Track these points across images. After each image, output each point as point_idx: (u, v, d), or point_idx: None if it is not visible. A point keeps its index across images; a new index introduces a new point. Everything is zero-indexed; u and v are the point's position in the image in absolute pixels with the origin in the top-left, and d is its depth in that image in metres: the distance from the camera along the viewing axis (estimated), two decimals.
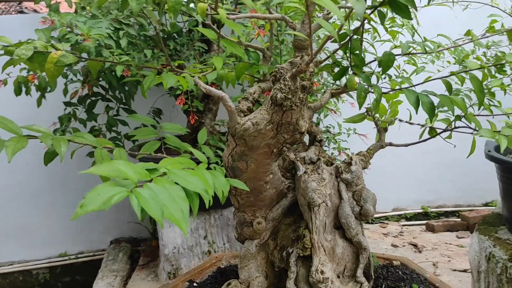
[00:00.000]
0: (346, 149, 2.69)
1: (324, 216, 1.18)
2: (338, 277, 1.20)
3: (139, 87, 2.66)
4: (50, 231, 2.95)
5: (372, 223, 3.41)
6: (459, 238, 3.10)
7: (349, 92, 1.42)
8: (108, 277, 2.75)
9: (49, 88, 2.19)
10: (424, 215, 3.41)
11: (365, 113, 1.34)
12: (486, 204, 3.51)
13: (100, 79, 2.33)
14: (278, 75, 1.07)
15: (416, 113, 1.13)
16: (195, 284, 1.45)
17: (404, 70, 1.33)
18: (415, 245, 2.97)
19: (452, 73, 1.14)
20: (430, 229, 3.17)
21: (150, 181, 0.69)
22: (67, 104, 2.37)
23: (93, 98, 2.39)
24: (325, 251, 1.18)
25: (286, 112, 1.08)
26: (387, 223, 3.38)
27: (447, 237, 3.10)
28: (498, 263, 1.80)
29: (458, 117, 1.16)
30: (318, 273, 1.16)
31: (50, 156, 1.02)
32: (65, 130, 2.41)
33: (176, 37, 2.49)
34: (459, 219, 3.28)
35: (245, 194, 1.21)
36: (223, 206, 2.76)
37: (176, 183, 0.72)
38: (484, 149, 1.94)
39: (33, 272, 2.95)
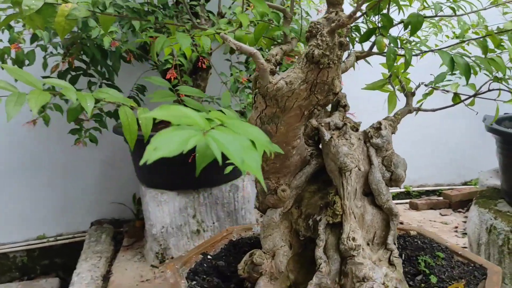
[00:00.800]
0: None
1: (355, 182, 1.14)
2: (368, 244, 1.16)
3: (122, 62, 2.55)
4: (27, 212, 2.82)
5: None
6: (442, 215, 3.14)
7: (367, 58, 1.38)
8: (92, 258, 2.65)
9: (27, 62, 2.07)
10: (407, 194, 3.44)
11: (387, 79, 1.30)
12: (465, 183, 3.58)
13: (82, 52, 2.21)
14: (314, 31, 1.01)
15: (451, 74, 1.10)
16: (209, 257, 1.39)
17: (426, 34, 1.30)
18: (401, 223, 3.00)
19: (488, 33, 1.11)
20: (414, 207, 3.20)
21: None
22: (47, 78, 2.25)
23: (75, 73, 2.27)
24: (355, 218, 1.14)
25: (322, 70, 1.02)
26: None
27: (430, 215, 3.14)
28: (499, 235, 1.82)
29: (497, 79, 1.14)
30: (350, 240, 1.12)
31: (74, 112, 0.93)
32: (45, 106, 2.28)
33: (164, 9, 2.39)
34: (441, 198, 3.32)
35: (272, 160, 1.16)
36: (212, 184, 2.69)
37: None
38: (484, 123, 1.95)
39: (9, 255, 2.81)
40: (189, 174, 2.58)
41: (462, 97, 1.27)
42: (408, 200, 3.32)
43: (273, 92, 1.03)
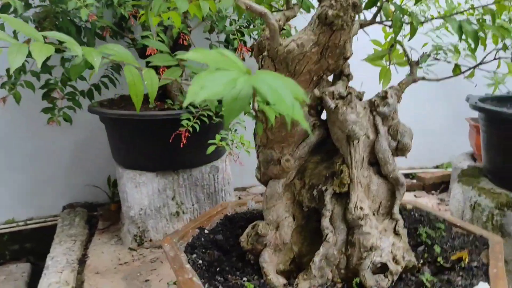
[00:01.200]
0: None
1: (362, 150, 1.12)
2: (373, 214, 1.15)
3: (97, 39, 2.45)
4: None
5: None
6: (417, 197, 3.19)
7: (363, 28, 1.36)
8: (66, 242, 2.55)
9: None
10: None
11: (388, 50, 1.29)
12: (437, 167, 3.65)
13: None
14: None
15: (460, 41, 1.09)
16: (206, 231, 1.34)
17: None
18: None
19: (496, 0, 1.11)
20: None
21: None
22: None
23: None
24: (362, 188, 1.13)
25: (335, 32, 0.99)
26: None
27: (406, 197, 3.17)
28: (484, 212, 1.86)
29: (505, 47, 1.14)
30: (357, 210, 1.10)
31: (78, 69, 0.87)
32: (16, 83, 2.18)
33: None
34: (414, 180, 3.37)
35: (277, 128, 1.12)
36: (192, 165, 2.64)
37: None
38: (469, 101, 1.97)
39: None
40: (168, 154, 2.52)
41: (463, 69, 1.27)
42: None
43: (284, 54, 1.00)
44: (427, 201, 3.10)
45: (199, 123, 2.26)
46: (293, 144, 1.19)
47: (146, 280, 2.25)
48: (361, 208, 1.10)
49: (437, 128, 3.53)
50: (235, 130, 2.38)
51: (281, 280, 1.11)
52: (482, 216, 1.86)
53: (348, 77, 1.23)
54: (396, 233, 1.15)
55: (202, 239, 1.30)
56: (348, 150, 1.11)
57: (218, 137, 2.18)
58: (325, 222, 1.13)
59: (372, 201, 1.15)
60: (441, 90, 3.08)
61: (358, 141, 1.11)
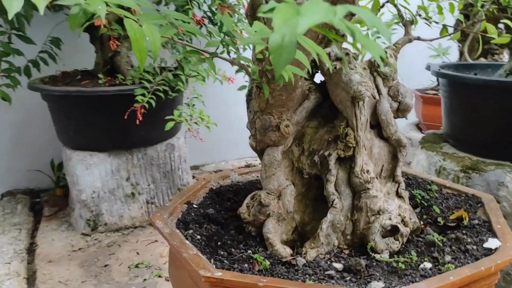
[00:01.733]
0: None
1: (366, 112, 1.09)
2: (376, 178, 1.12)
3: (34, 12, 2.26)
4: None
5: None
6: None
7: None
8: (10, 231, 2.36)
9: None
10: None
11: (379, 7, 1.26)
12: None
13: None
14: None
15: None
16: (194, 206, 1.26)
17: None
18: None
19: None
20: None
21: None
22: None
23: None
24: (366, 151, 1.10)
25: None
26: None
27: None
28: (449, 175, 1.91)
29: None
30: (364, 173, 1.07)
31: (76, 20, 0.75)
32: None
33: None
34: None
35: (278, 91, 1.06)
36: (146, 144, 2.52)
37: None
38: (431, 69, 2.01)
39: None
40: (121, 133, 2.38)
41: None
42: None
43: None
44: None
45: (154, 98, 2.14)
46: (291, 108, 1.13)
47: (105, 265, 2.13)
48: (367, 172, 1.07)
49: None
50: (193, 105, 2.29)
51: (288, 250, 1.06)
52: (448, 180, 1.92)
53: (343, 37, 1.19)
54: (398, 195, 1.14)
55: (193, 214, 1.22)
56: (353, 112, 1.07)
57: (176, 112, 2.08)
58: (331, 187, 1.09)
59: (374, 165, 1.12)
60: None
61: (363, 102, 1.07)
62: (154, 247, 2.28)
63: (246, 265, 0.98)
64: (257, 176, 1.50)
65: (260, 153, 1.18)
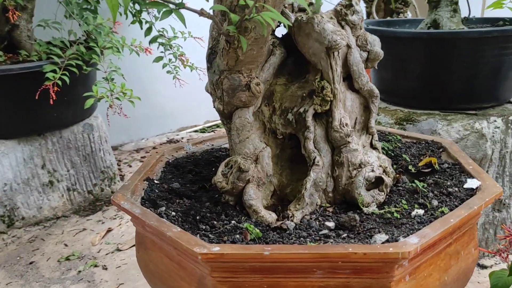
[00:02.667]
0: (182, 54, 2.52)
1: (340, 63, 1.04)
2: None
3: None
4: None
5: (207, 132, 3.36)
6: None
7: None
8: None
9: None
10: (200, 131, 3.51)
11: None
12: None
13: None
14: None
15: None
16: (156, 181, 1.15)
17: None
18: None
19: None
20: None
21: None
22: None
23: None
24: (341, 104, 1.06)
25: None
26: (222, 129, 3.38)
27: None
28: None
29: None
30: (344, 126, 1.03)
31: None
32: None
33: None
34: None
35: (250, 45, 0.97)
36: (61, 126, 2.30)
37: None
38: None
39: None
40: (30, 116, 2.13)
41: None
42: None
43: None
44: None
45: (68, 74, 1.94)
46: (260, 65, 1.06)
47: (31, 263, 1.94)
48: (346, 125, 1.04)
49: None
50: (112, 79, 2.11)
51: (274, 215, 1.00)
52: None
53: None
54: (373, 147, 1.12)
55: (157, 190, 1.11)
56: (329, 63, 1.02)
57: (95, 88, 1.91)
58: (310, 145, 1.03)
59: (348, 118, 1.08)
60: None
61: (338, 53, 1.02)
62: (83, 236, 2.11)
63: (237, 236, 0.91)
64: (212, 145, 1.41)
65: (228, 116, 1.09)
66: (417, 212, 0.95)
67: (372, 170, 1.04)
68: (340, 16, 1.08)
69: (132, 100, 1.99)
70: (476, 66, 1.87)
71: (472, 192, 1.01)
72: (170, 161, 1.28)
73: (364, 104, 1.12)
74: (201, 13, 0.88)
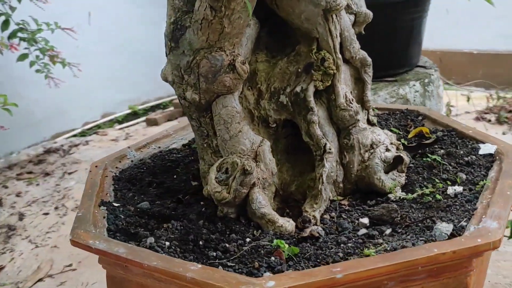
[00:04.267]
0: (52, 48, 2.17)
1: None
2: None
3: None
4: None
5: (88, 136, 2.97)
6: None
7: None
8: None
9: None
10: (134, 114, 3.19)
11: None
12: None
13: None
14: None
15: None
16: (115, 204, 0.87)
17: None
18: None
19: None
20: (153, 123, 3.01)
21: None
22: None
23: None
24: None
25: None
26: (105, 131, 3.01)
27: (169, 126, 3.01)
28: None
29: None
30: (351, 102, 0.87)
31: None
32: None
33: None
34: (172, 108, 3.21)
35: (239, 11, 0.75)
36: None
37: None
38: None
39: None
40: None
41: None
42: (143, 118, 3.08)
43: None
44: None
45: None
46: (240, 39, 0.84)
47: None
48: (352, 100, 0.87)
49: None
50: None
51: (292, 222, 0.81)
52: None
53: None
54: (371, 123, 0.97)
55: (122, 216, 0.84)
56: (327, 29, 0.84)
57: None
58: (317, 130, 0.85)
59: None
60: (149, 12, 2.95)
61: (337, 16, 0.85)
62: None
63: (272, 258, 0.70)
64: (159, 147, 1.14)
65: (205, 108, 0.86)
66: (455, 190, 0.82)
67: (387, 149, 0.89)
68: None
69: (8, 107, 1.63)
70: (394, 33, 1.84)
71: (491, 158, 0.92)
72: (117, 174, 1.00)
73: (355, 76, 0.96)
74: None
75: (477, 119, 2.66)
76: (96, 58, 2.91)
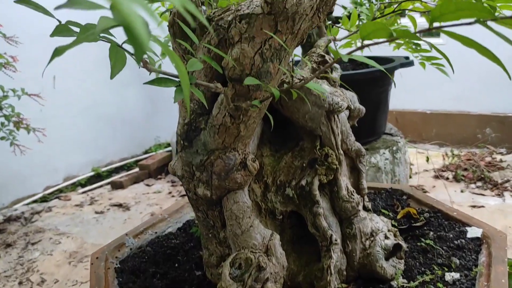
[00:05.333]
0: (18, 114, 2.18)
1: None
2: None
3: None
4: None
5: (49, 200, 2.88)
6: (149, 186, 3.04)
7: None
8: None
9: None
10: (97, 177, 3.15)
11: None
12: (146, 152, 3.55)
13: None
14: None
15: None
16: None
17: None
18: (120, 205, 2.73)
19: None
20: (119, 186, 2.98)
21: None
22: None
23: None
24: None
25: None
26: (67, 195, 2.94)
27: (140, 188, 3.00)
28: None
29: None
30: (353, 194, 0.93)
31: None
32: None
33: None
34: (138, 169, 3.19)
35: (254, 117, 0.81)
36: None
37: None
38: None
39: None
40: None
41: None
42: (108, 181, 3.04)
43: (293, 8, 0.71)
44: (163, 186, 2.98)
45: None
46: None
47: None
48: (353, 192, 0.93)
49: (139, 113, 3.42)
50: None
51: None
52: None
53: None
54: (366, 209, 1.03)
55: None
56: (330, 128, 0.91)
57: None
58: (323, 222, 0.90)
59: None
60: (131, 74, 3.00)
61: (338, 116, 0.92)
62: None
63: None
64: (156, 232, 1.15)
65: (216, 202, 0.89)
66: (452, 277, 0.88)
67: (386, 237, 0.95)
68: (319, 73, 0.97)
69: None
70: (364, 106, 1.94)
71: (479, 241, 0.99)
72: (119, 265, 0.99)
73: (351, 165, 1.02)
74: (216, 87, 0.69)
75: (436, 177, 2.81)
76: (60, 121, 2.88)
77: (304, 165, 0.92)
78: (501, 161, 2.92)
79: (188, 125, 0.87)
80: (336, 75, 0.99)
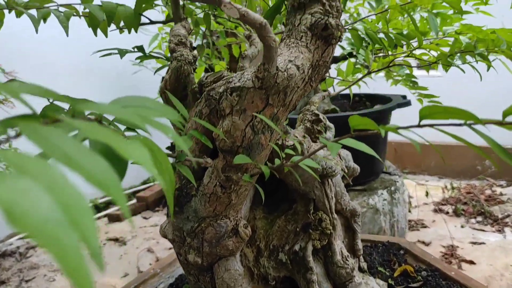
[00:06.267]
0: (15, 150, 2.16)
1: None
2: None
3: None
4: None
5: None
6: (146, 219, 3.02)
7: None
8: None
9: None
10: (95, 208, 3.12)
11: None
12: (145, 182, 3.53)
13: None
14: None
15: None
16: None
17: None
18: (116, 239, 2.71)
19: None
20: (115, 219, 2.95)
21: None
22: None
23: None
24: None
25: (329, 47, 0.76)
26: None
27: (137, 222, 2.97)
28: None
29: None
30: (347, 260, 0.91)
31: None
32: None
33: None
34: (135, 201, 3.17)
35: (245, 186, 0.79)
36: None
37: None
38: None
39: None
40: None
41: None
42: (104, 213, 3.02)
43: (285, 82, 0.70)
44: (160, 219, 2.96)
45: None
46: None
47: None
48: (348, 257, 0.91)
49: None
50: None
51: None
52: None
53: None
54: (362, 270, 1.01)
55: None
56: (323, 192, 0.89)
57: None
58: None
59: None
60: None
61: (331, 180, 0.90)
62: None
63: None
64: None
65: (208, 269, 0.87)
66: None
67: None
68: (313, 134, 0.96)
69: None
70: (362, 141, 1.92)
71: None
72: None
73: (345, 225, 1.01)
74: (206, 162, 0.68)
75: (435, 211, 2.78)
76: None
77: (297, 229, 0.90)
78: (501, 194, 2.90)
79: (179, 190, 0.85)
80: (330, 134, 0.98)
